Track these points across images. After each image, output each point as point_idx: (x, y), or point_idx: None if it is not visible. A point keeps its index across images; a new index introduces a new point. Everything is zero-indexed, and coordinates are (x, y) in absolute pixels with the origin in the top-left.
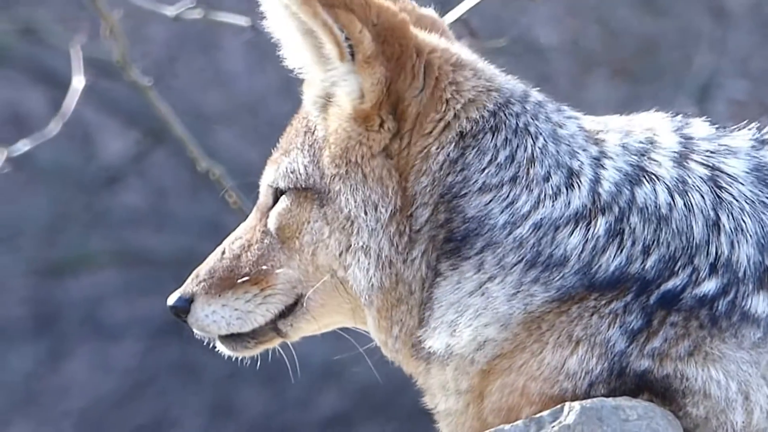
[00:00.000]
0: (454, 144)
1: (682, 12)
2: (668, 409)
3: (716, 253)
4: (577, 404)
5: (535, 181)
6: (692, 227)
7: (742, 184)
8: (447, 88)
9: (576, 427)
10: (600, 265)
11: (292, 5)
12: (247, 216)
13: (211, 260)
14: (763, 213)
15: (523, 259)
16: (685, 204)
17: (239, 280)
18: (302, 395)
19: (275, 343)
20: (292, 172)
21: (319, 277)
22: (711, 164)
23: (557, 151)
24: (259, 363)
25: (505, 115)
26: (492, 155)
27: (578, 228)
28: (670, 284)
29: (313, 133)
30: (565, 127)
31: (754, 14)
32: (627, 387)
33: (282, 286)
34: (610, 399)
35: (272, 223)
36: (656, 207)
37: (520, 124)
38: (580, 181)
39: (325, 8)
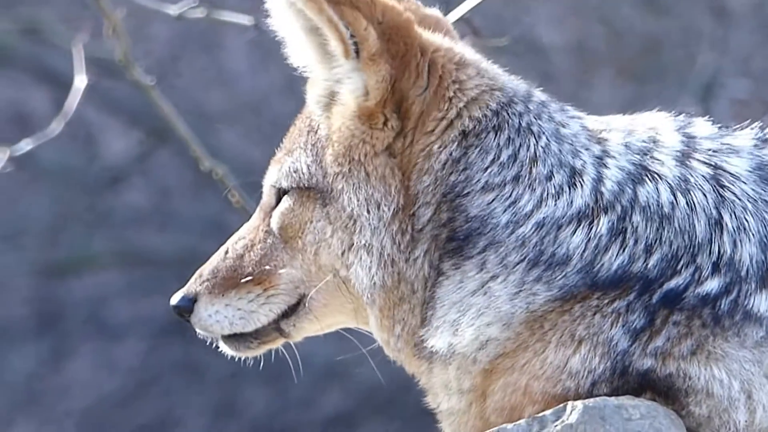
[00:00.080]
0: (456, 143)
1: (685, 11)
2: (671, 408)
3: (719, 252)
4: (579, 403)
5: (537, 181)
6: (695, 226)
7: (745, 183)
8: (450, 87)
9: (579, 426)
10: (602, 264)
11: (297, 2)
12: (251, 215)
13: (215, 260)
14: (766, 212)
15: (525, 258)
16: (687, 203)
17: (242, 280)
18: (305, 395)
19: (278, 343)
20: (294, 172)
21: (321, 276)
22: (713, 163)
23: (560, 151)
24: (262, 363)
25: (507, 114)
26: (495, 154)
27: (581, 227)
28: (672, 283)
29: (316, 133)
30: (567, 126)
31: (756, 13)
32: (630, 386)
33: (285, 286)
34: (613, 398)
35: (275, 223)
36: (659, 206)
37: (523, 124)
38: (583, 180)
39: (330, 5)
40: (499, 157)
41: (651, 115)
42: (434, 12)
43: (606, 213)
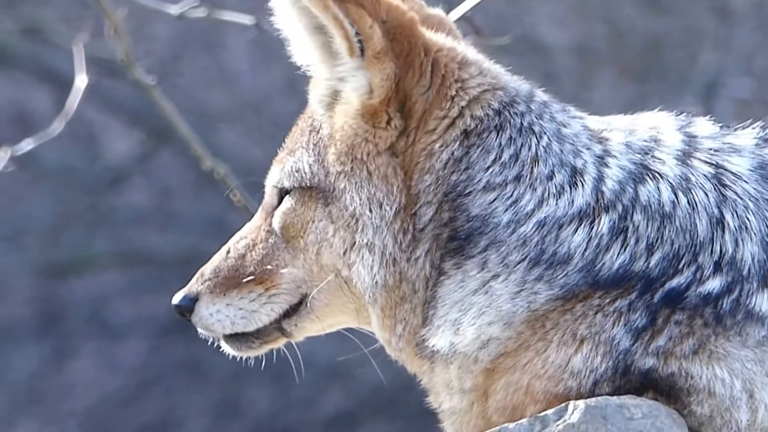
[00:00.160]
0: (458, 142)
1: (687, 11)
2: (673, 408)
3: (720, 251)
4: (581, 403)
5: (539, 180)
6: (696, 225)
7: (746, 182)
8: (452, 86)
9: (580, 426)
10: (604, 263)
11: None
12: (252, 215)
13: (216, 259)
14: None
15: (526, 257)
16: (688, 202)
17: (244, 280)
18: (307, 395)
19: (280, 343)
20: (296, 171)
21: (323, 276)
22: (715, 162)
23: (561, 150)
24: (264, 362)
25: (509, 114)
26: (496, 154)
27: (582, 226)
28: (674, 282)
29: (318, 132)
30: (569, 126)
31: (758, 13)
32: (631, 385)
33: (286, 285)
34: (615, 397)
35: (277, 223)
36: (660, 205)
37: (525, 123)
38: (584, 179)
39: (335, 3)
40: (500, 157)
41: (652, 114)
42: (437, 11)
43: (607, 212)
